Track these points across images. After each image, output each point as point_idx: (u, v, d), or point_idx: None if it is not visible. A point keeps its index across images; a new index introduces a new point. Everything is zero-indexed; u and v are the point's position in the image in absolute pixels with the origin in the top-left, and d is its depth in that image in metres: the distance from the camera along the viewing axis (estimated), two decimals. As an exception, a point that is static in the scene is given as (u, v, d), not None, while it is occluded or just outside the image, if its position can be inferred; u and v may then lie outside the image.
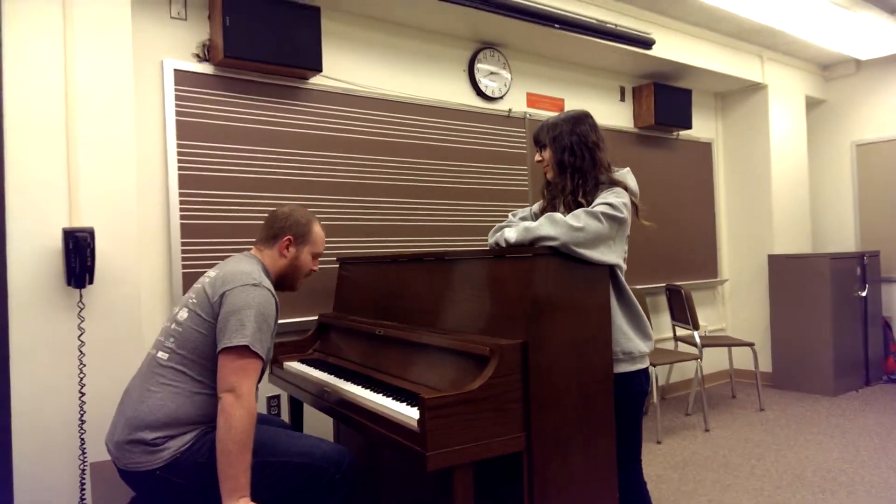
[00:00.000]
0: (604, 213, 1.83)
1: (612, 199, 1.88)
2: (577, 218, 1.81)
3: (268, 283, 1.92)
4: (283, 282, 2.13)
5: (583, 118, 2.10)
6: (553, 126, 2.09)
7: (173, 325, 1.91)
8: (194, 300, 1.91)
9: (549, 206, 2.20)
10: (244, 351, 1.76)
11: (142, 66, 2.77)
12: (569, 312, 1.75)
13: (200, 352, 1.85)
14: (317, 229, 2.17)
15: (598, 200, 1.92)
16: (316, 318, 2.85)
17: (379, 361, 2.21)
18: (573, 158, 2.03)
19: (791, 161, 5.59)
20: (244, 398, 1.73)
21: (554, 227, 1.78)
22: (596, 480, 1.80)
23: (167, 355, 1.87)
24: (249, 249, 2.16)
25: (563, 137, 2.05)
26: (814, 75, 5.87)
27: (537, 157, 2.15)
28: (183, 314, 1.90)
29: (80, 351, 2.40)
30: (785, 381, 5.24)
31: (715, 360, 5.40)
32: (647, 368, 2.02)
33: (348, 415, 1.96)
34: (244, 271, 1.89)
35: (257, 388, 1.82)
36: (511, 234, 1.87)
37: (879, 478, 3.23)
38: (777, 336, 5.29)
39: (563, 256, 1.77)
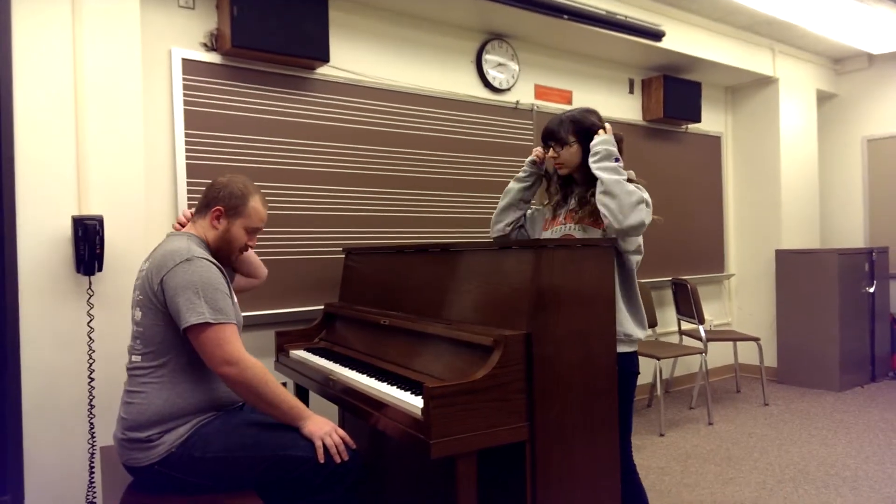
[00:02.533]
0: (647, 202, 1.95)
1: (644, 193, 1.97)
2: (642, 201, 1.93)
3: (200, 253, 1.87)
4: (217, 255, 2.00)
5: (597, 115, 2.13)
6: (577, 121, 2.09)
7: (134, 328, 1.90)
8: (141, 297, 1.88)
9: (562, 201, 2.20)
10: (209, 326, 1.76)
11: (150, 55, 2.78)
12: (573, 304, 1.76)
13: (169, 341, 1.84)
14: (254, 204, 2.02)
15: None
16: (322, 307, 2.87)
17: (384, 351, 2.23)
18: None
19: (801, 156, 5.55)
20: (241, 362, 1.77)
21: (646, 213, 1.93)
22: (599, 471, 1.81)
23: (140, 357, 1.86)
24: None
25: (592, 134, 2.06)
26: (825, 69, 5.82)
27: (551, 154, 2.14)
28: (137, 314, 1.88)
29: (90, 337, 2.43)
30: (790, 376, 5.24)
31: (720, 354, 5.40)
32: (636, 352, 2.07)
33: (353, 403, 1.98)
34: (172, 250, 1.85)
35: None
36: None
37: (883, 473, 3.23)
38: (783, 331, 5.28)
39: (567, 248, 1.77)
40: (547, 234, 2.21)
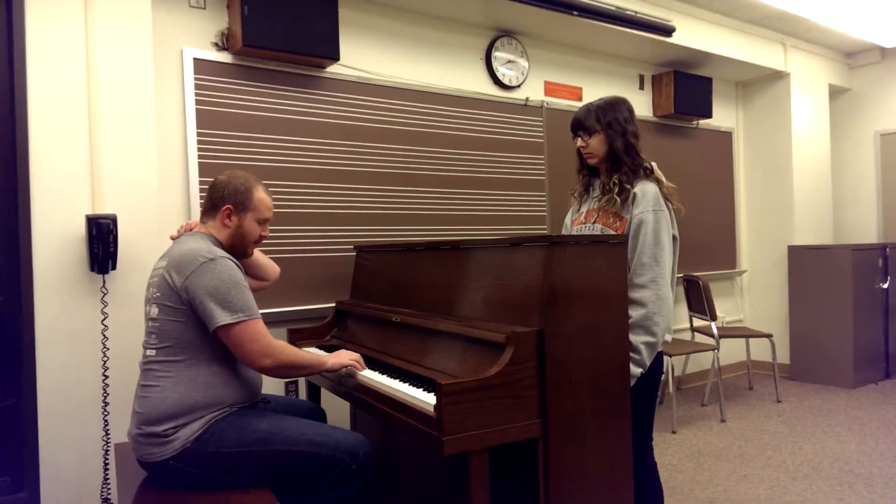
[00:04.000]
0: (657, 234, 1.95)
1: (652, 202, 1.98)
2: (654, 282, 1.93)
3: (221, 252, 1.91)
4: (234, 251, 2.05)
5: (625, 102, 2.14)
6: (604, 111, 2.09)
7: (150, 324, 1.92)
8: (158, 294, 1.89)
9: (585, 192, 2.21)
10: (242, 323, 1.82)
11: (162, 55, 2.80)
12: (585, 300, 1.75)
13: (187, 338, 1.86)
14: (259, 195, 2.06)
15: (640, 207, 1.98)
16: (333, 304, 2.88)
17: (395, 348, 2.23)
18: (626, 145, 2.06)
19: (813, 151, 5.51)
20: (274, 351, 1.87)
21: (662, 318, 1.94)
22: (611, 468, 1.81)
23: (154, 351, 1.88)
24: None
25: (619, 123, 2.07)
26: (838, 63, 5.77)
27: (580, 143, 2.15)
28: (154, 311, 1.90)
29: (104, 335, 2.45)
30: (803, 372, 5.20)
31: (732, 351, 5.37)
32: (661, 352, 2.05)
33: (365, 400, 1.99)
34: (193, 250, 1.87)
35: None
36: (650, 349, 1.94)
37: (898, 470, 3.21)
38: (795, 327, 5.24)
39: (578, 244, 1.77)
40: (575, 232, 2.21)
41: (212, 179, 2.11)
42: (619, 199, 2.01)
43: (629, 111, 2.11)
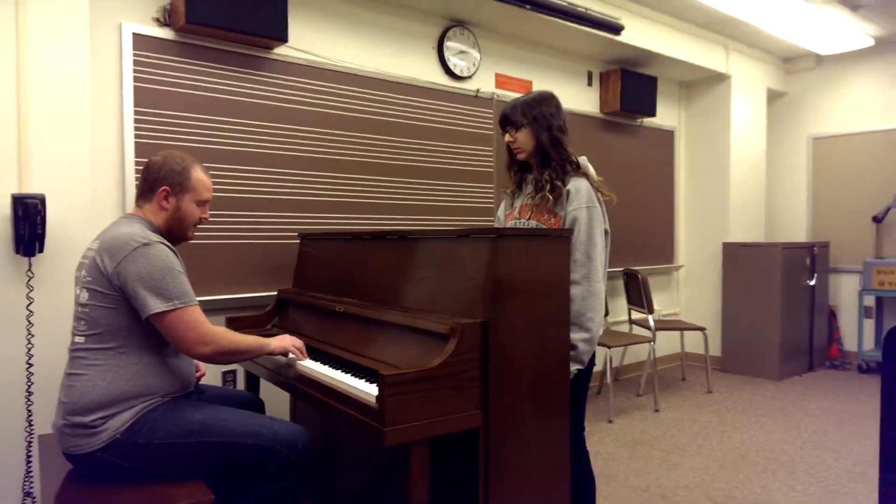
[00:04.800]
0: (590, 231, 1.99)
1: (585, 199, 2.00)
2: (588, 274, 1.98)
3: (156, 237, 1.83)
4: (172, 235, 1.97)
5: (553, 97, 2.16)
6: (530, 106, 2.11)
7: (79, 309, 1.84)
8: (89, 278, 1.81)
9: (517, 189, 2.22)
10: (177, 311, 1.76)
11: (99, 29, 2.66)
12: (529, 292, 1.77)
13: (118, 325, 1.79)
14: (197, 175, 1.98)
15: (574, 204, 2.01)
16: (275, 293, 2.82)
17: (339, 338, 2.21)
18: (555, 138, 2.08)
19: (750, 151, 5.72)
20: (213, 338, 1.81)
21: (595, 313, 1.97)
22: (551, 457, 1.84)
23: (83, 338, 1.80)
24: None
25: (545, 118, 2.08)
26: (776, 68, 6.00)
27: (508, 138, 2.16)
28: (84, 295, 1.82)
29: (29, 321, 2.34)
30: (733, 364, 5.43)
31: (667, 343, 5.55)
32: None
33: (306, 391, 1.96)
34: (126, 234, 1.80)
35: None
36: (588, 345, 1.97)
37: (818, 458, 3.39)
38: (727, 321, 5.46)
39: (524, 237, 1.78)
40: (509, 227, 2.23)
41: (147, 160, 2.02)
42: (551, 197, 2.04)
43: (556, 106, 2.13)
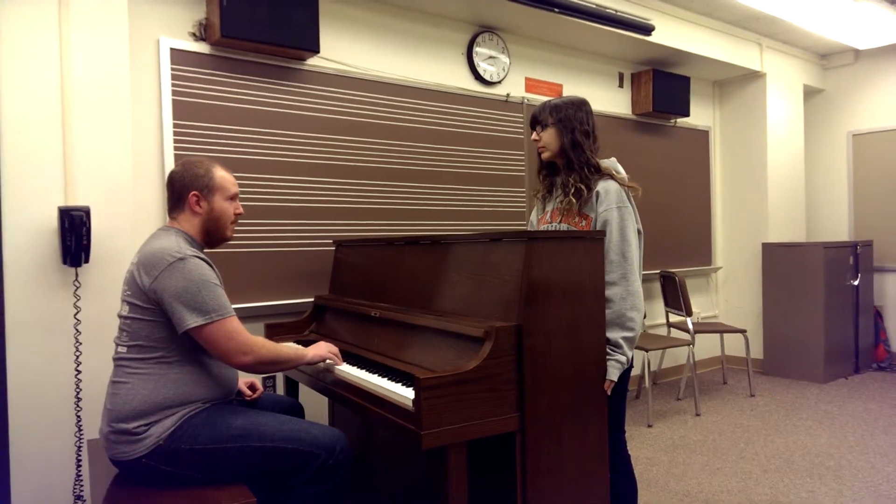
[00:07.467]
0: (623, 231, 1.99)
1: (615, 199, 2.00)
2: (624, 278, 1.96)
3: (191, 251, 1.86)
4: (212, 237, 2.02)
5: (585, 104, 2.18)
6: (558, 107, 2.13)
7: (121, 321, 1.89)
8: (129, 292, 1.87)
9: (548, 193, 2.22)
10: (214, 323, 1.80)
11: (138, 45, 2.75)
12: (563, 294, 1.77)
13: (157, 336, 1.83)
14: (219, 173, 2.01)
15: (605, 205, 2.01)
16: (312, 299, 2.86)
17: (374, 343, 2.23)
18: (577, 141, 2.08)
19: (787, 150, 5.60)
20: (252, 348, 1.85)
21: (636, 313, 1.96)
22: (589, 459, 1.83)
23: (125, 348, 1.85)
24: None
25: (571, 120, 2.10)
26: (812, 64, 5.86)
27: (534, 137, 2.18)
28: (124, 309, 1.87)
29: (76, 329, 2.41)
30: (775, 367, 5.30)
31: (707, 346, 5.45)
32: None
33: (344, 395, 1.98)
34: (163, 248, 1.83)
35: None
36: (630, 344, 1.96)
37: (866, 462, 3.28)
38: (769, 323, 5.34)
39: (556, 240, 1.78)
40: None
41: (170, 172, 2.04)
42: (576, 201, 2.05)
43: (586, 112, 2.14)
